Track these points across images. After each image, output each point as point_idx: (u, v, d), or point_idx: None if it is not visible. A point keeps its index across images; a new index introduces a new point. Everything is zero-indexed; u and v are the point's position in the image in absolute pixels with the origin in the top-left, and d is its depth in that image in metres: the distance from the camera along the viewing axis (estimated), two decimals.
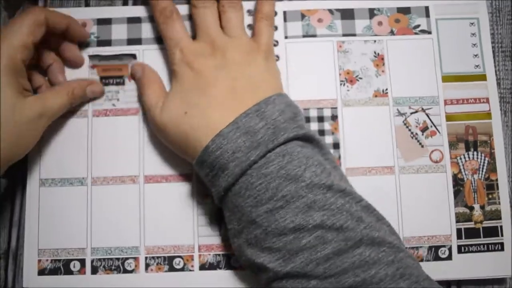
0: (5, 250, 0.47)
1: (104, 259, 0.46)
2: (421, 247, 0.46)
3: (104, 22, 0.49)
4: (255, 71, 0.43)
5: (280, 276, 0.38)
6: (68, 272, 0.46)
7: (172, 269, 0.46)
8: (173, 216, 0.46)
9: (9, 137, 0.41)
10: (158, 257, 0.46)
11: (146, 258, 0.46)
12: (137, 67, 0.48)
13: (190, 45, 0.45)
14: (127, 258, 0.46)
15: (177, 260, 0.46)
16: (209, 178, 0.41)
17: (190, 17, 0.48)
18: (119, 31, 0.49)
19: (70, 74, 0.48)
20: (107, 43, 0.48)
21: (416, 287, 0.36)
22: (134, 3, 0.50)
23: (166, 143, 0.45)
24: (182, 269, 0.46)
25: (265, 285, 0.40)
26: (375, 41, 0.49)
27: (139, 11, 0.50)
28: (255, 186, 0.38)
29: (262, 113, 0.40)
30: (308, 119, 0.48)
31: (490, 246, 0.46)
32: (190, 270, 0.46)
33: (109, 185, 0.47)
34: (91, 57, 0.49)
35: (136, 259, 0.46)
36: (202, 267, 0.46)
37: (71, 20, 0.46)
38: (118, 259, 0.46)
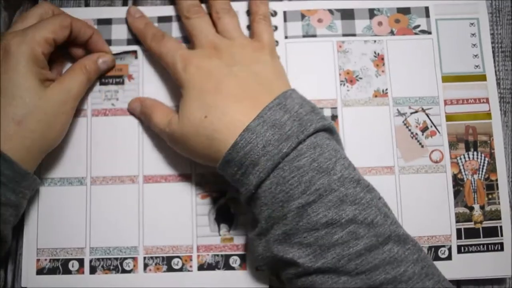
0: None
1: (102, 259, 0.46)
2: None
3: (104, 22, 0.49)
4: (262, 68, 0.43)
5: (310, 271, 0.37)
6: (67, 271, 0.46)
7: (170, 269, 0.46)
8: (172, 216, 0.46)
9: (40, 127, 0.41)
10: (156, 257, 0.46)
11: (144, 258, 0.46)
12: (133, 104, 0.48)
13: (191, 52, 0.44)
14: (125, 258, 0.46)
15: (175, 260, 0.46)
16: (237, 177, 0.40)
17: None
18: (119, 31, 0.49)
19: None
20: (107, 43, 0.48)
21: (440, 287, 0.37)
22: (134, 3, 0.50)
23: (187, 154, 0.44)
24: (180, 270, 0.46)
25: (292, 280, 0.39)
26: (375, 41, 0.49)
27: None
28: (288, 180, 0.38)
29: (284, 106, 0.39)
30: None
31: (490, 246, 0.46)
32: (189, 271, 0.46)
33: (108, 185, 0.47)
34: None
35: (134, 259, 0.46)
36: (201, 267, 0.46)
37: (96, 32, 0.47)
38: (116, 259, 0.46)
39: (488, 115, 0.48)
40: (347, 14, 0.49)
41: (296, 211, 0.37)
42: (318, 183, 0.37)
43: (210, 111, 0.40)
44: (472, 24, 0.49)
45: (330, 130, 0.41)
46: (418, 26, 0.49)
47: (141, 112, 0.47)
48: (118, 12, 0.49)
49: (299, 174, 0.38)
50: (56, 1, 0.50)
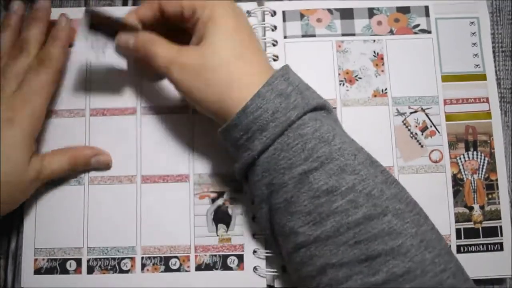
0: (5, 250, 0.47)
1: (100, 258, 0.46)
2: None
3: None
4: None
5: (310, 241, 0.37)
6: (64, 271, 0.46)
7: (168, 269, 0.46)
8: (170, 216, 0.46)
9: (9, 195, 0.42)
10: (154, 257, 0.46)
11: (142, 258, 0.46)
12: (124, 37, 0.43)
13: None
14: (123, 258, 0.46)
15: (173, 260, 0.46)
16: (241, 142, 0.39)
17: None
18: None
19: None
20: None
21: (439, 260, 0.36)
22: (134, 4, 0.50)
23: (192, 91, 0.40)
24: (178, 270, 0.46)
25: (292, 255, 0.39)
26: (374, 40, 0.49)
27: None
28: (292, 146, 0.38)
29: (287, 78, 0.39)
30: None
31: (489, 246, 0.46)
32: (186, 271, 0.46)
33: (106, 184, 0.47)
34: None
35: (132, 259, 0.46)
36: (198, 267, 0.46)
37: None
38: (114, 259, 0.46)
39: (488, 114, 0.48)
40: (346, 14, 0.49)
41: (298, 177, 0.38)
42: (320, 151, 0.38)
43: (243, 55, 0.40)
44: (472, 23, 0.49)
45: (326, 109, 0.41)
46: (418, 25, 0.49)
47: (135, 47, 0.43)
48: (117, 12, 0.49)
49: (303, 141, 0.38)
50: (56, 1, 0.50)
